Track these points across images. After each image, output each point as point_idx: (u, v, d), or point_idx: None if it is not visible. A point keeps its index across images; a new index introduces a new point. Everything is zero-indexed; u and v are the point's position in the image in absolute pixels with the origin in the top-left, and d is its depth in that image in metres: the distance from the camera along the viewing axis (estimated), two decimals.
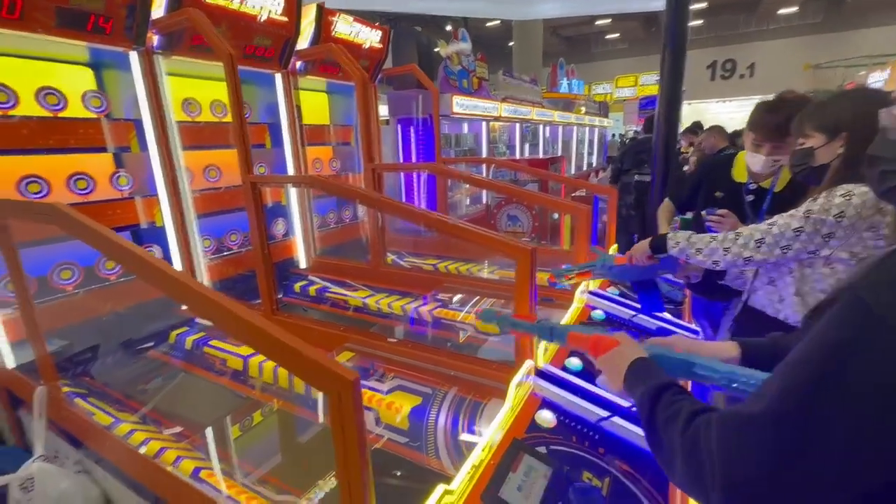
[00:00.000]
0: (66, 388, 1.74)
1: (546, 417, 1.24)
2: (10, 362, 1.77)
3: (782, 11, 17.78)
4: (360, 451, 0.63)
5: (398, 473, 1.27)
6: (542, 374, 1.40)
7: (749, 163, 1.73)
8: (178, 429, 1.54)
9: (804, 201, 1.32)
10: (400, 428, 1.48)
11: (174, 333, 2.27)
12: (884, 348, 0.47)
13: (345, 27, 2.89)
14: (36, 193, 1.96)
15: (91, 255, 2.15)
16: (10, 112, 1.90)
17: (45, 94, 2.00)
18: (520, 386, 1.29)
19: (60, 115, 2.05)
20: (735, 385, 0.74)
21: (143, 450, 1.32)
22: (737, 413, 0.55)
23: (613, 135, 13.54)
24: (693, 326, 1.96)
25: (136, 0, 1.90)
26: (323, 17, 2.74)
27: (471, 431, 1.40)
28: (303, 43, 2.75)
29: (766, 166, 1.65)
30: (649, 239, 1.60)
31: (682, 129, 6.77)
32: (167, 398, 1.80)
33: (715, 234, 1.42)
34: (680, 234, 1.49)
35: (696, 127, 6.00)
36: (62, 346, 1.98)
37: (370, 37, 3.12)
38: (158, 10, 2.02)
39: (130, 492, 1.25)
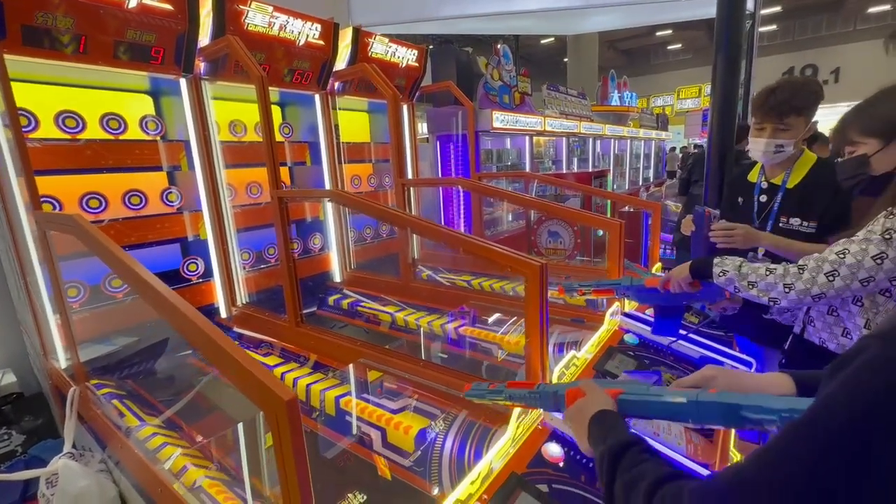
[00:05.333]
0: (106, 390, 1.86)
1: (553, 451, 1.13)
2: (63, 363, 1.92)
3: (873, 10, 16.17)
4: (300, 476, 0.59)
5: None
6: None
7: (751, 150, 1.56)
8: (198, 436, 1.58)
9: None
10: (405, 450, 1.41)
11: None
12: None
13: (381, 47, 2.98)
14: (95, 209, 2.16)
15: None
16: (78, 136, 2.12)
17: (108, 119, 2.22)
18: (525, 414, 1.19)
19: (121, 137, 2.27)
20: None
21: (157, 455, 1.36)
22: (719, 483, 0.45)
23: (673, 148, 12.85)
24: (745, 357, 1.73)
25: (185, 30, 2.07)
26: (360, 39, 2.84)
27: (477, 459, 1.31)
28: (340, 65, 2.86)
29: (768, 151, 1.48)
30: (689, 262, 1.35)
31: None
32: (194, 402, 1.87)
33: (770, 266, 1.17)
34: (728, 262, 1.25)
35: None
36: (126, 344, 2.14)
37: (406, 56, 3.19)
38: (205, 38, 2.18)
39: (140, 497, 1.28)
